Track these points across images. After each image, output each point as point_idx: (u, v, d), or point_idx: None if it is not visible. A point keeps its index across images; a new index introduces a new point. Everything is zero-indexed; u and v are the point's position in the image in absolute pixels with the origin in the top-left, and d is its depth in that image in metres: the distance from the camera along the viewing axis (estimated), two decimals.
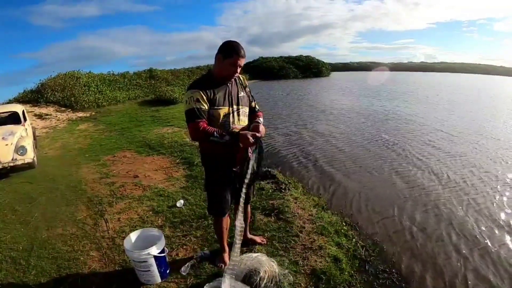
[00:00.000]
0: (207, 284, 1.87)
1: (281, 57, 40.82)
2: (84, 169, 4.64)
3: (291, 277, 2.01)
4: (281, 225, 2.71)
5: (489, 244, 2.76)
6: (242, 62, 1.77)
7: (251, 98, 2.00)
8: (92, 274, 2.19)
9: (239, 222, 1.76)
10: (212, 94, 1.75)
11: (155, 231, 2.17)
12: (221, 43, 1.80)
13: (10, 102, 10.78)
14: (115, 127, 8.24)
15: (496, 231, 2.98)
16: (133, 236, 2.11)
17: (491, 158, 5.30)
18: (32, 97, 11.45)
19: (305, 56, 41.83)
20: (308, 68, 38.86)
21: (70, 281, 2.11)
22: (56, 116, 9.97)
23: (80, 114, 10.63)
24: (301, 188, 3.93)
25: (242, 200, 1.77)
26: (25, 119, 5.61)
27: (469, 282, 2.28)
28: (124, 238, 2.20)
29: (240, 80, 1.95)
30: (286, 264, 2.15)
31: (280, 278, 1.95)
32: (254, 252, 2.21)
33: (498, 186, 4.05)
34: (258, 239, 2.43)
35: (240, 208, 1.77)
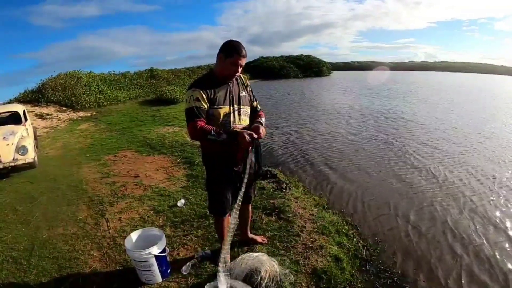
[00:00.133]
0: (208, 284, 1.87)
1: (281, 56, 40.82)
2: (85, 168, 4.65)
3: (292, 276, 2.00)
4: (282, 225, 2.70)
5: (485, 243, 2.76)
6: (243, 61, 1.77)
7: (252, 97, 2.00)
8: (93, 273, 2.19)
9: (233, 220, 1.75)
10: (212, 94, 1.75)
11: (156, 231, 2.17)
12: (221, 43, 1.80)
13: (11, 102, 10.80)
14: (116, 126, 8.24)
15: (501, 231, 2.97)
16: (134, 235, 2.11)
17: (489, 157, 5.29)
18: (33, 97, 11.47)
19: (306, 56, 41.84)
20: (309, 67, 38.85)
21: (71, 281, 2.11)
22: (57, 116, 9.98)
23: (81, 114, 10.64)
24: (302, 187, 3.93)
25: (239, 199, 1.76)
26: (26, 119, 5.62)
27: (474, 281, 2.28)
28: (125, 237, 2.20)
29: (242, 79, 1.95)
30: (287, 263, 2.15)
31: (281, 278, 1.95)
32: (255, 251, 2.20)
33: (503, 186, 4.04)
34: (259, 238, 2.43)
35: (237, 206, 1.76)
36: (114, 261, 2.30)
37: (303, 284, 2.00)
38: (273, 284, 1.89)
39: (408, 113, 10.05)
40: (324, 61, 42.86)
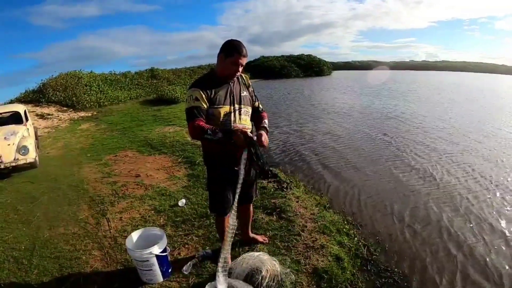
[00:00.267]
0: (209, 283, 1.86)
1: (282, 56, 40.76)
2: (86, 168, 4.65)
3: (293, 276, 2.00)
4: (283, 224, 2.70)
5: (486, 243, 2.75)
6: (244, 61, 1.77)
7: (254, 97, 2.00)
8: (94, 273, 2.19)
9: (232, 220, 1.73)
10: (212, 93, 1.75)
11: (157, 230, 2.17)
12: (222, 43, 1.80)
13: (11, 102, 10.82)
14: (116, 126, 8.25)
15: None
16: (135, 235, 2.11)
17: (487, 157, 5.28)
18: (34, 97, 11.49)
19: (307, 55, 41.78)
20: (310, 67, 38.80)
21: (72, 280, 2.11)
22: (58, 116, 9.99)
23: (82, 114, 10.65)
24: (303, 187, 3.93)
25: (236, 201, 1.73)
26: (26, 119, 5.63)
27: (473, 281, 2.27)
28: (126, 237, 2.21)
29: (244, 79, 1.95)
30: (288, 263, 2.15)
31: (282, 277, 1.94)
32: (256, 251, 2.20)
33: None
34: (260, 238, 2.43)
35: (234, 208, 1.74)
36: (115, 261, 2.30)
37: (304, 283, 1.99)
38: (274, 283, 1.89)
39: (410, 113, 10.02)
40: (325, 61, 42.81)
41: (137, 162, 4.82)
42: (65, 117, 10.04)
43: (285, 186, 3.59)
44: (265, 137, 1.83)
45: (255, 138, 1.71)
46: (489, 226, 3.04)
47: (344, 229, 2.78)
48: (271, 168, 4.23)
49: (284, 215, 2.85)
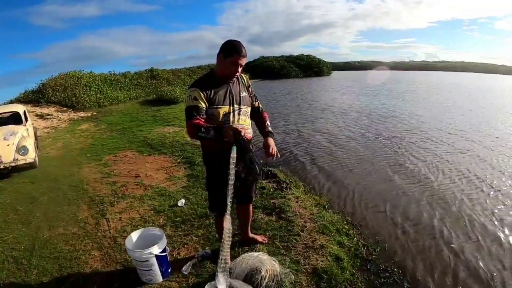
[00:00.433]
0: (208, 283, 1.87)
1: (282, 56, 40.83)
2: (86, 169, 4.65)
3: (293, 276, 2.00)
4: (282, 224, 2.70)
5: (482, 242, 2.75)
6: (243, 61, 1.77)
7: (254, 98, 2.00)
8: (93, 273, 2.19)
9: (227, 224, 1.70)
10: (211, 93, 1.75)
11: (156, 231, 2.17)
12: (222, 43, 1.80)
13: (11, 102, 10.82)
14: (116, 126, 8.25)
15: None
16: (135, 235, 2.11)
17: (487, 156, 5.29)
18: (33, 97, 11.49)
19: (306, 55, 41.84)
20: (309, 67, 38.86)
21: (72, 281, 2.11)
22: (58, 116, 10.00)
23: (82, 114, 10.66)
24: (302, 187, 3.93)
25: (229, 201, 1.69)
26: (26, 119, 5.63)
27: (474, 281, 2.28)
28: (125, 237, 2.20)
29: (243, 79, 1.95)
30: (288, 263, 2.15)
31: (282, 277, 1.95)
32: (256, 251, 2.20)
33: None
34: (259, 238, 2.43)
35: (228, 209, 1.71)
36: (114, 261, 2.31)
37: (304, 283, 2.00)
38: (273, 283, 1.89)
39: (410, 113, 10.02)
40: (325, 61, 42.87)
41: (136, 162, 4.82)
42: (64, 117, 10.05)
43: (285, 186, 3.59)
44: (273, 147, 1.81)
45: (241, 131, 1.64)
46: (489, 226, 3.04)
47: (344, 229, 2.79)
48: (270, 168, 4.23)
49: (283, 215, 2.85)
